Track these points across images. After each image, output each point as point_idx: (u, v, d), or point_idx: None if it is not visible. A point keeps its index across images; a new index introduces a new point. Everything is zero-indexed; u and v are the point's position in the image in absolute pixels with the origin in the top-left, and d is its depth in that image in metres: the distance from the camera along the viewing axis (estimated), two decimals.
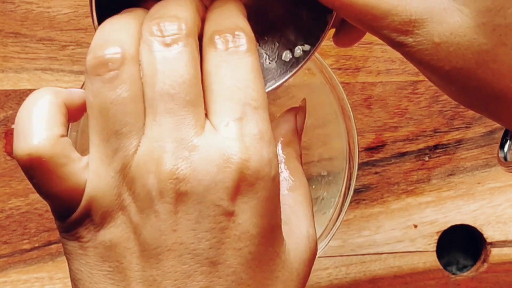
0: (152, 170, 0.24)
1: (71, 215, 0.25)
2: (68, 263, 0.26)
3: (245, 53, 0.25)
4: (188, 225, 0.24)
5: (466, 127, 0.49)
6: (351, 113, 0.38)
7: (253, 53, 0.26)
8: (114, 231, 0.25)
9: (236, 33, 0.26)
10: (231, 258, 0.25)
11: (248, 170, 0.24)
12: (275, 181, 0.25)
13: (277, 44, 0.32)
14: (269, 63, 0.32)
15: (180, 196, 0.24)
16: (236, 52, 0.25)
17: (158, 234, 0.24)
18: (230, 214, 0.24)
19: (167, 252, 0.24)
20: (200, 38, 0.26)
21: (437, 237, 0.48)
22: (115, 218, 0.25)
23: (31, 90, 0.44)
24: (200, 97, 0.25)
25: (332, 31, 0.33)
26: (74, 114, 0.27)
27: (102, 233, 0.25)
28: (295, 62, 0.31)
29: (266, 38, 0.31)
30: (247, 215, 0.25)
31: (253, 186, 0.24)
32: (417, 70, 0.47)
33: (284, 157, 0.32)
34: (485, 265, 0.49)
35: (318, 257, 0.39)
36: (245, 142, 0.24)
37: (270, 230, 0.26)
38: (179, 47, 0.25)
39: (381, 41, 0.47)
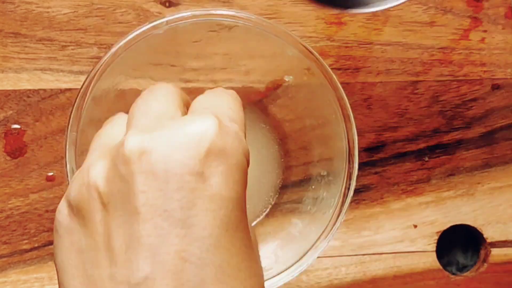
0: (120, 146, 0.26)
1: None
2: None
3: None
4: (156, 186, 0.24)
5: (466, 127, 0.49)
6: (351, 113, 0.38)
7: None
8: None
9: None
10: (206, 220, 0.24)
11: (218, 140, 0.25)
12: (244, 155, 0.26)
13: None
14: None
15: (144, 155, 0.25)
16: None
17: (126, 198, 0.25)
18: (199, 174, 0.25)
19: (137, 216, 0.24)
20: None
21: (437, 237, 0.48)
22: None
23: (30, 90, 0.45)
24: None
25: None
26: None
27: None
28: None
29: None
30: (218, 178, 0.25)
31: (224, 153, 0.25)
32: (417, 70, 0.48)
33: None
34: (485, 265, 0.49)
35: (318, 257, 0.39)
36: (218, 119, 0.26)
37: (243, 200, 0.26)
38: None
39: (381, 42, 0.47)
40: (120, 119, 0.31)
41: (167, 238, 0.24)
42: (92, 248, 0.26)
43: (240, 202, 0.26)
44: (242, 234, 0.26)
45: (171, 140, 0.25)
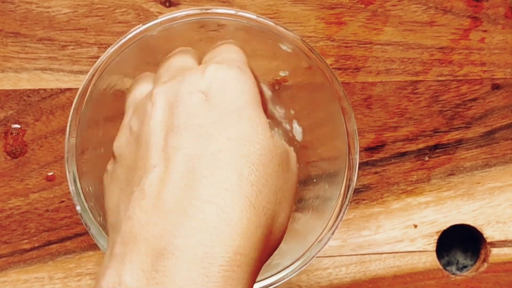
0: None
1: None
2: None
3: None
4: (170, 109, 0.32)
5: (466, 127, 0.49)
6: (352, 113, 0.38)
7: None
8: None
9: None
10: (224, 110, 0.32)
11: (221, 73, 0.33)
12: (247, 78, 0.33)
13: None
14: None
15: (167, 98, 0.33)
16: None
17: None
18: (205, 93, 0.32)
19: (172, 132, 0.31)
20: None
21: (437, 237, 0.48)
22: None
23: (31, 90, 0.45)
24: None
25: None
26: None
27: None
28: None
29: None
30: (221, 92, 0.32)
31: (226, 79, 0.33)
32: (417, 70, 0.48)
33: None
34: (485, 265, 0.49)
35: (318, 257, 0.39)
36: (221, 63, 0.34)
37: (255, 94, 0.33)
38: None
39: (381, 41, 0.47)
40: (146, 76, 0.37)
41: (173, 142, 0.30)
42: (125, 173, 0.32)
43: (242, 111, 0.31)
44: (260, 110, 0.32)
45: (184, 81, 0.32)
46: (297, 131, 0.44)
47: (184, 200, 0.28)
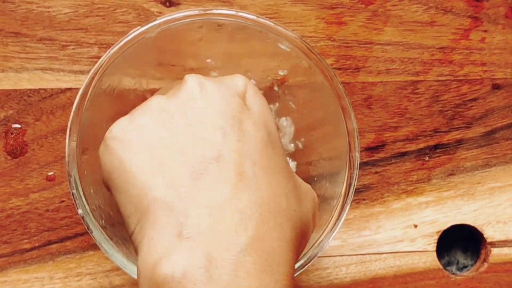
0: None
1: None
2: None
3: None
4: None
5: (466, 127, 0.49)
6: (352, 112, 0.38)
7: None
8: None
9: None
10: (252, 129, 0.33)
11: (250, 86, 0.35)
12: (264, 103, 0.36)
13: None
14: None
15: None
16: None
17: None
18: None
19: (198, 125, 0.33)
20: None
21: (437, 237, 0.48)
22: None
23: (31, 90, 0.45)
24: None
25: None
26: None
27: None
28: None
29: None
30: (255, 107, 0.35)
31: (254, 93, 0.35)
32: (417, 70, 0.48)
33: None
34: (485, 265, 0.49)
35: (318, 256, 0.39)
36: (247, 83, 0.36)
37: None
38: None
39: (381, 41, 0.47)
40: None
41: (228, 142, 0.32)
42: (173, 145, 0.33)
43: (272, 132, 0.34)
44: (278, 152, 0.34)
45: (221, 82, 0.35)
46: (291, 130, 0.44)
47: (235, 201, 0.31)
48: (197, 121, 0.32)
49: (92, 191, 0.38)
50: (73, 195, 0.37)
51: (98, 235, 0.37)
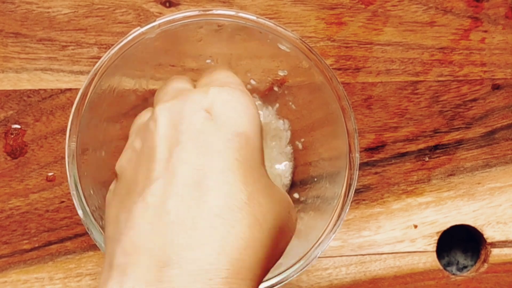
0: None
1: None
2: None
3: None
4: (172, 126, 0.32)
5: (466, 127, 0.49)
6: (352, 113, 0.38)
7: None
8: None
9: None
10: (219, 143, 0.31)
11: (219, 96, 0.33)
12: (247, 103, 0.34)
13: None
14: None
15: (167, 114, 0.33)
16: None
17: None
18: (208, 117, 0.32)
19: (155, 151, 0.32)
20: None
21: (437, 237, 0.48)
22: None
23: (31, 91, 0.45)
24: None
25: None
26: None
27: None
28: None
29: None
30: (224, 116, 0.32)
31: (226, 103, 0.33)
32: (417, 70, 0.48)
33: None
34: (485, 265, 0.49)
35: (319, 257, 0.39)
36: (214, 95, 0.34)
37: (252, 131, 0.33)
38: None
39: (381, 42, 0.47)
40: (147, 110, 0.37)
41: (178, 155, 0.30)
42: (126, 187, 0.32)
43: (246, 133, 0.32)
44: (249, 155, 0.31)
45: (187, 100, 0.33)
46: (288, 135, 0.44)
47: (191, 212, 0.29)
48: (149, 149, 0.32)
49: (92, 192, 0.38)
50: (73, 196, 0.37)
51: (98, 236, 0.37)
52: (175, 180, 0.30)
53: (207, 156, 0.30)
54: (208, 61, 0.41)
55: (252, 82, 0.43)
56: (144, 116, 0.37)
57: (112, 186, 0.35)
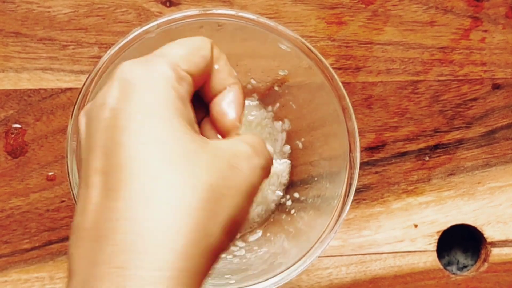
0: None
1: None
2: None
3: None
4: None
5: (467, 127, 0.49)
6: (352, 112, 0.38)
7: None
8: None
9: None
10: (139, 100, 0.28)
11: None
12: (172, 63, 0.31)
13: None
14: None
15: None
16: None
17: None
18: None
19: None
20: None
21: (437, 237, 0.48)
22: None
23: (31, 90, 0.45)
24: None
25: None
26: None
27: None
28: None
29: None
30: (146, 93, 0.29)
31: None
32: (417, 69, 0.48)
33: None
34: (486, 265, 0.49)
35: (319, 256, 0.39)
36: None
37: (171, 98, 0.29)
38: None
39: (381, 41, 0.47)
40: None
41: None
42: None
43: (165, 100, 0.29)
44: (161, 126, 0.28)
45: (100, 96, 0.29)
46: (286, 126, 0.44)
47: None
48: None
49: None
50: (73, 195, 0.37)
51: None
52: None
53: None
54: None
55: (252, 81, 0.43)
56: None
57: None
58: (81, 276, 0.26)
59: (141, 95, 0.28)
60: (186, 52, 0.32)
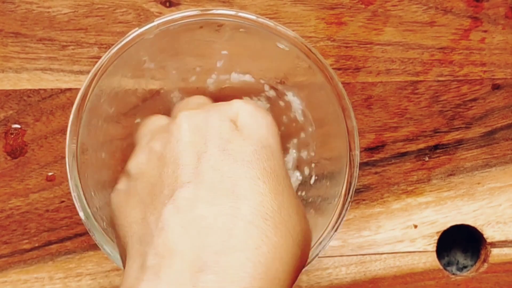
0: None
1: None
2: None
3: None
4: (199, 136, 0.33)
5: (466, 127, 0.49)
6: (352, 112, 0.38)
7: None
8: None
9: None
10: (241, 151, 0.32)
11: (246, 109, 0.34)
12: (267, 116, 0.35)
13: None
14: None
15: (191, 122, 0.34)
16: None
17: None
18: (232, 127, 0.33)
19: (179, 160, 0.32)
20: None
21: (437, 237, 0.48)
22: None
23: (31, 90, 0.45)
24: None
25: None
26: None
27: None
28: None
29: None
30: (247, 129, 0.33)
31: (251, 115, 0.34)
32: (417, 70, 0.48)
33: None
34: (485, 265, 0.49)
35: (319, 257, 0.39)
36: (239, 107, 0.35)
37: (273, 142, 0.34)
38: None
39: (381, 42, 0.47)
40: (158, 115, 0.38)
41: (207, 161, 0.31)
42: (148, 188, 0.32)
43: (271, 145, 0.33)
44: (276, 165, 0.32)
45: (212, 110, 0.33)
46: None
47: (225, 218, 0.29)
48: (174, 152, 0.32)
49: (92, 193, 0.38)
50: (74, 198, 0.37)
51: (100, 237, 0.37)
52: (205, 185, 0.30)
53: (236, 164, 0.31)
54: (208, 60, 0.42)
55: (252, 81, 0.43)
56: (157, 120, 0.36)
57: (121, 186, 0.35)
58: None
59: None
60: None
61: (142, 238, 0.30)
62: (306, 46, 0.38)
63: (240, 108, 0.34)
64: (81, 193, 0.37)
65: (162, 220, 0.29)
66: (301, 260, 0.31)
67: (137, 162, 0.34)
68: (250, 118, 0.33)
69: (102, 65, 0.37)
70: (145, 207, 0.32)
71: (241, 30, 0.38)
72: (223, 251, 0.28)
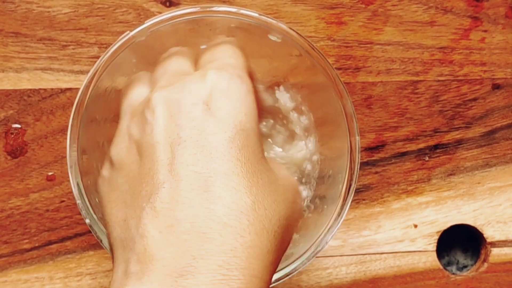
0: None
1: None
2: None
3: None
4: (172, 121, 0.32)
5: (466, 127, 0.49)
6: (353, 112, 0.38)
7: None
8: None
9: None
10: (213, 140, 0.31)
11: (220, 84, 0.33)
12: (247, 91, 0.34)
13: None
14: None
15: (164, 104, 0.33)
16: None
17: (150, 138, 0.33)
18: (205, 109, 0.32)
19: (156, 145, 0.32)
20: None
21: (437, 237, 0.48)
22: None
23: (31, 90, 0.45)
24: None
25: None
26: None
27: None
28: None
29: None
30: (222, 111, 0.33)
31: (226, 91, 0.33)
32: (417, 69, 0.48)
33: None
34: (485, 265, 0.49)
35: (318, 256, 0.39)
36: (220, 69, 0.34)
37: (250, 126, 0.33)
38: None
39: (381, 41, 0.47)
40: (141, 77, 0.37)
41: (181, 156, 0.30)
42: (128, 184, 0.32)
43: (245, 128, 0.32)
44: (250, 152, 0.31)
45: (185, 90, 0.33)
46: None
47: (200, 221, 0.29)
48: (149, 144, 0.32)
49: (97, 199, 0.38)
50: (78, 205, 0.37)
51: (107, 242, 0.37)
52: (181, 185, 0.30)
53: (209, 157, 0.30)
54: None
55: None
56: (138, 90, 0.36)
57: (106, 172, 0.35)
58: None
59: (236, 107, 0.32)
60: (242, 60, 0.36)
61: (125, 243, 0.31)
62: (308, 44, 0.38)
63: (214, 86, 0.33)
64: (86, 199, 0.37)
65: (142, 226, 0.30)
66: (280, 250, 0.32)
67: (118, 149, 0.34)
68: (225, 99, 0.33)
69: (102, 64, 0.37)
70: (126, 208, 0.32)
71: (240, 28, 0.38)
72: (200, 256, 0.28)
